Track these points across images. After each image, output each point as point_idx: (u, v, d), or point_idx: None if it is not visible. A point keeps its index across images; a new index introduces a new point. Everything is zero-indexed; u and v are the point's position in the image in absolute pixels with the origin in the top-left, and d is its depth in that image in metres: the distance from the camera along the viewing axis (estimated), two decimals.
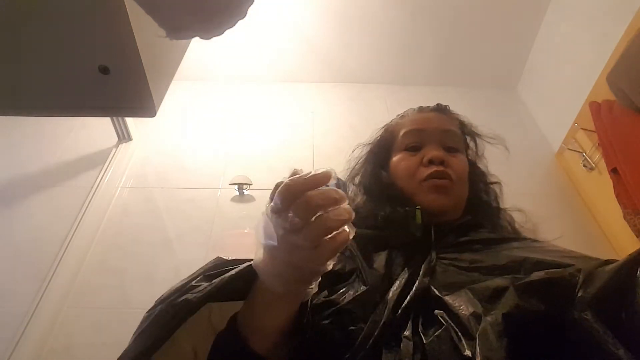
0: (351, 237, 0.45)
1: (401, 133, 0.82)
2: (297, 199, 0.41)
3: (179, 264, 1.59)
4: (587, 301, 0.47)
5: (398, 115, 0.93)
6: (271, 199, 0.44)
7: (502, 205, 0.88)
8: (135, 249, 1.65)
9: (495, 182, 0.91)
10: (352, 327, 0.53)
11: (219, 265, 0.60)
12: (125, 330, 1.32)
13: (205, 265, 0.62)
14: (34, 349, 1.34)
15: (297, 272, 0.45)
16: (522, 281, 0.53)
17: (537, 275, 0.54)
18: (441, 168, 0.74)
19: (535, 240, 0.71)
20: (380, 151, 0.87)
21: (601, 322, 0.44)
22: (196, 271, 0.61)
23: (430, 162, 0.75)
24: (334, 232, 0.42)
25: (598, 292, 0.47)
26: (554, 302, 0.50)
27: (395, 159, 0.80)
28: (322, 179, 0.43)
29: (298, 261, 0.44)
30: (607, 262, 0.53)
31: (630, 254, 0.48)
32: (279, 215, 0.42)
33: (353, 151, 0.98)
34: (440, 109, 0.90)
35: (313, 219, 0.41)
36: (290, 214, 0.41)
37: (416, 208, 0.70)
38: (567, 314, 0.48)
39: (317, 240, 0.42)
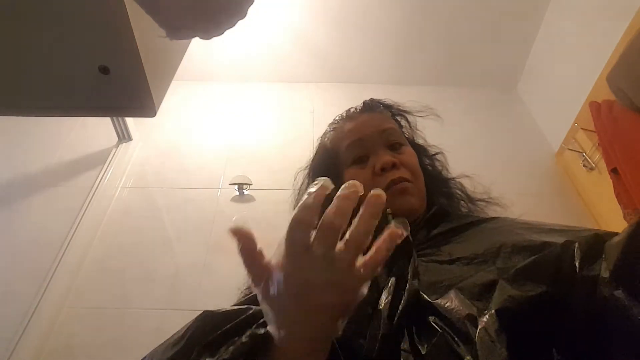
0: (404, 233, 0.42)
1: (343, 148, 0.80)
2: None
3: (179, 264, 1.59)
4: (614, 278, 0.45)
5: (329, 126, 0.91)
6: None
7: (449, 175, 0.88)
8: (135, 249, 1.65)
9: (437, 153, 0.90)
10: (355, 346, 0.52)
11: (210, 326, 0.53)
12: (125, 330, 1.32)
13: (193, 323, 0.55)
14: (34, 349, 1.34)
15: (331, 311, 0.41)
16: (510, 272, 0.53)
17: (524, 260, 0.53)
18: (396, 175, 0.74)
19: (505, 218, 0.71)
20: (326, 172, 0.83)
21: (633, 298, 0.43)
22: (185, 330, 0.54)
23: (383, 169, 0.75)
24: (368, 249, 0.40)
25: (617, 267, 0.46)
26: (552, 279, 0.50)
27: (347, 176, 0.79)
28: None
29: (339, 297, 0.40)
30: (597, 233, 0.52)
31: (631, 224, 0.47)
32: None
33: (295, 179, 0.96)
34: (369, 107, 0.88)
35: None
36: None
37: (387, 212, 0.69)
38: (580, 290, 0.47)
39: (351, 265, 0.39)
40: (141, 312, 1.44)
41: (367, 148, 0.78)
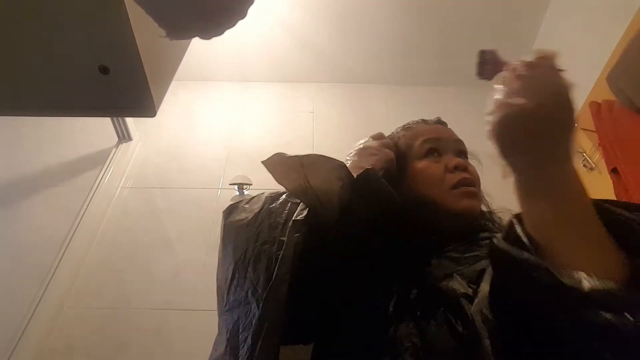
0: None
1: (418, 142, 0.84)
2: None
3: (179, 264, 1.59)
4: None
5: (399, 127, 0.94)
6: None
7: (490, 208, 0.91)
8: (135, 249, 1.65)
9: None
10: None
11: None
12: (125, 330, 1.32)
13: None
14: (34, 349, 1.34)
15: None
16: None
17: None
18: (468, 175, 0.78)
19: None
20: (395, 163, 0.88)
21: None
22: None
23: (456, 168, 0.78)
24: None
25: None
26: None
27: (418, 166, 0.82)
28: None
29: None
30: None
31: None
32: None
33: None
34: (443, 123, 0.93)
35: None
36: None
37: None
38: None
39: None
40: (141, 312, 1.44)
41: (441, 148, 0.83)
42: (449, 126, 0.94)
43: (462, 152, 0.83)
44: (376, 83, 2.51)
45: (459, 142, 0.85)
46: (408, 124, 0.94)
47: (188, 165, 1.99)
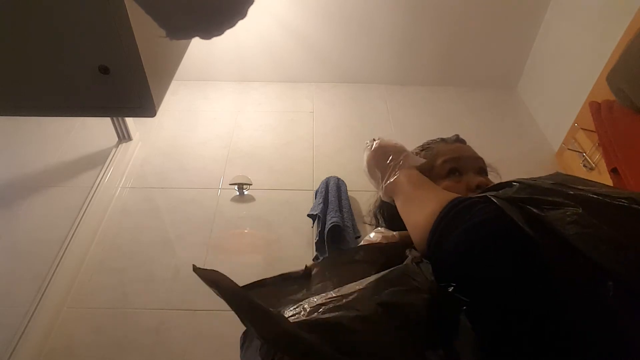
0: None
1: (438, 162, 0.85)
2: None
3: (179, 264, 1.59)
4: None
5: (418, 147, 0.94)
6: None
7: None
8: (135, 249, 1.65)
9: None
10: None
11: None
12: (125, 330, 1.32)
13: None
14: (34, 349, 1.34)
15: None
16: None
17: None
18: None
19: None
20: None
21: None
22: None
23: (478, 187, 0.78)
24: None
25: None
26: None
27: (441, 186, 0.82)
28: None
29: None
30: None
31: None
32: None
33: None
34: (462, 140, 0.94)
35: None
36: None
37: None
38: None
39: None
40: (141, 312, 1.44)
41: (462, 167, 0.83)
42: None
43: (482, 170, 0.83)
44: (376, 83, 2.51)
45: (479, 159, 0.85)
46: (427, 143, 0.94)
47: (188, 165, 1.99)
